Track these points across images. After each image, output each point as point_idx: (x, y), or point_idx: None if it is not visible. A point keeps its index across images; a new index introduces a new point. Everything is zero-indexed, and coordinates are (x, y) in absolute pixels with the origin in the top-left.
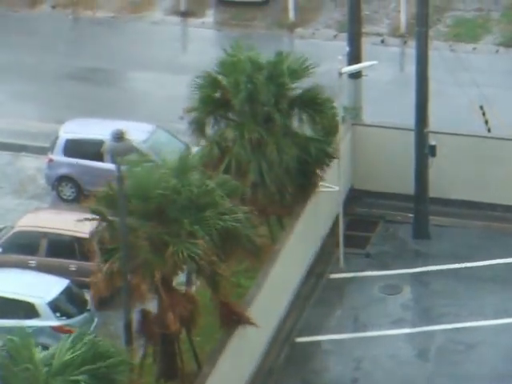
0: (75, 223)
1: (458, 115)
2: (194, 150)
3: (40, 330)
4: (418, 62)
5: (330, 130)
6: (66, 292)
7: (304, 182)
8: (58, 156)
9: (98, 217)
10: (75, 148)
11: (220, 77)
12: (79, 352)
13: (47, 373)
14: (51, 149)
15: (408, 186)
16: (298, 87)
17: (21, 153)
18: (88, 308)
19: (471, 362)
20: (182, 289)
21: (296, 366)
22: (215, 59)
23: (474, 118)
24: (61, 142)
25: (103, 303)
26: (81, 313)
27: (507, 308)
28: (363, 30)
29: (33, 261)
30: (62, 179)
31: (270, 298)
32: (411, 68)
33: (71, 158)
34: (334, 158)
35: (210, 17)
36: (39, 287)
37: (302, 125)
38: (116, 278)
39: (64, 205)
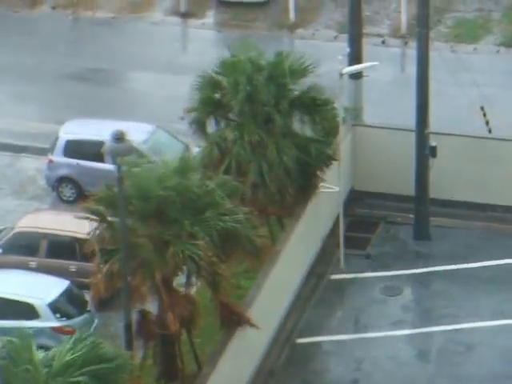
0: (75, 224)
1: (459, 116)
2: (194, 150)
3: (40, 331)
4: (418, 63)
5: (331, 131)
6: (66, 293)
7: (304, 182)
8: (58, 157)
9: (97, 218)
10: (75, 149)
11: (220, 77)
12: (80, 353)
13: (47, 374)
14: (51, 150)
15: (408, 187)
16: (299, 88)
17: (21, 154)
18: (88, 309)
19: (471, 363)
20: (182, 290)
21: (296, 366)
22: (215, 60)
23: (474, 119)
24: (61, 143)
25: (103, 304)
26: (81, 314)
27: (506, 309)
28: (364, 31)
29: (33, 262)
30: (62, 180)
31: (271, 298)
32: (412, 69)
33: (71, 158)
34: (334, 159)
35: (210, 17)
36: (39, 288)
37: (302, 126)
38: (116, 279)
39: (64, 206)
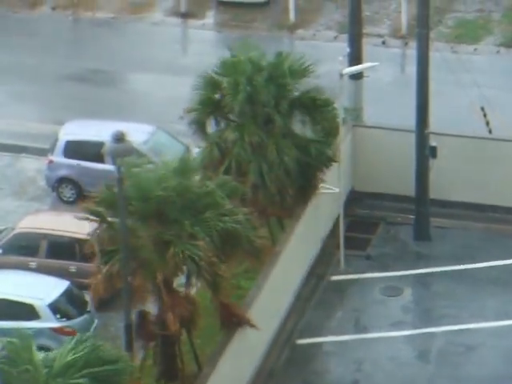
0: (75, 225)
1: (459, 116)
2: (194, 151)
3: (40, 332)
4: (418, 64)
5: (331, 132)
6: (67, 293)
7: (304, 183)
8: (58, 157)
9: (97, 218)
10: (75, 149)
11: (220, 78)
12: (80, 354)
13: (47, 374)
14: (51, 150)
15: (409, 188)
16: (299, 88)
17: (21, 154)
18: (88, 309)
19: (472, 364)
20: (182, 290)
21: (297, 367)
22: (216, 60)
23: (475, 119)
24: (61, 144)
25: (104, 304)
26: (81, 314)
27: (508, 310)
28: (364, 31)
29: (33, 262)
30: (62, 181)
31: (271, 299)
32: (412, 69)
33: (71, 159)
34: (334, 160)
35: (210, 18)
36: (39, 289)
37: (302, 126)
38: (116, 280)
39: (64, 206)
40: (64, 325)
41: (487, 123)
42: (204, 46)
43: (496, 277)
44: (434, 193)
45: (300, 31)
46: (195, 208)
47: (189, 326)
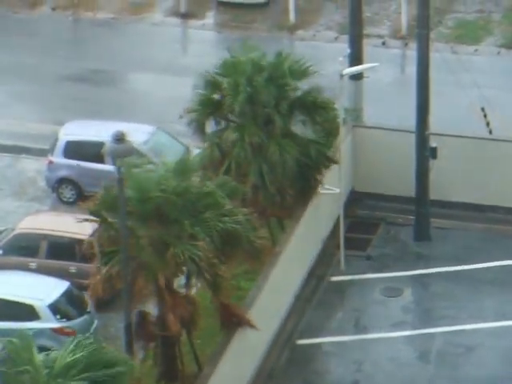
0: (75, 225)
1: (460, 117)
2: (194, 151)
3: (40, 332)
4: (418, 64)
5: (331, 132)
6: (67, 294)
7: (304, 184)
8: (58, 158)
9: (97, 219)
10: (75, 150)
11: (220, 78)
12: (81, 356)
13: (48, 375)
14: (51, 151)
15: (409, 188)
16: (299, 89)
17: (21, 155)
18: (88, 310)
19: (471, 365)
20: (182, 291)
21: (297, 368)
22: (216, 61)
23: (475, 120)
24: (61, 144)
25: (104, 305)
26: (81, 315)
27: (506, 311)
28: (364, 32)
29: (33, 263)
30: (62, 181)
31: (271, 300)
32: (412, 70)
33: (71, 159)
34: (333, 162)
35: (210, 18)
36: (39, 289)
37: (302, 127)
38: (115, 280)
39: (64, 207)
40: (64, 325)
41: (487, 124)
42: (204, 46)
43: (496, 277)
44: (434, 193)
45: (300, 32)
46: (195, 208)
47: (189, 327)
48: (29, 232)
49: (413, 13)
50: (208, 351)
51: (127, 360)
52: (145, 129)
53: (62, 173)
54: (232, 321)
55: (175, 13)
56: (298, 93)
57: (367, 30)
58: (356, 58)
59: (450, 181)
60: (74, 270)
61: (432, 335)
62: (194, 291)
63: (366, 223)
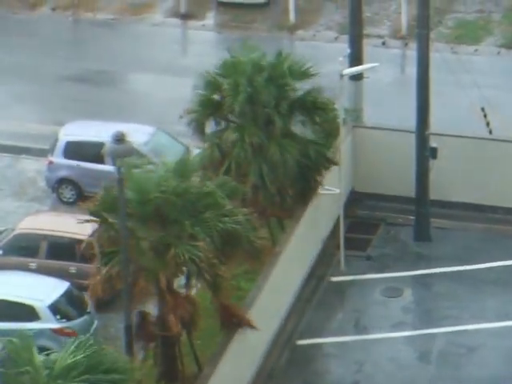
0: (75, 226)
1: (460, 117)
2: (195, 151)
3: (40, 333)
4: (418, 64)
5: (331, 133)
6: (67, 294)
7: (304, 184)
8: (58, 158)
9: (97, 219)
10: (75, 150)
11: (220, 79)
12: (81, 357)
13: (48, 376)
14: (51, 151)
15: (409, 189)
16: (299, 89)
17: (21, 155)
18: (88, 310)
19: (473, 365)
20: (182, 291)
21: (297, 368)
22: (216, 61)
23: (475, 120)
24: (61, 144)
25: (104, 305)
26: (81, 315)
27: (508, 311)
28: (364, 32)
29: (33, 263)
30: (62, 181)
31: (271, 300)
32: (412, 70)
33: (71, 160)
34: (333, 163)
35: (210, 19)
36: (39, 290)
37: (302, 127)
38: (115, 281)
39: (64, 207)
40: (64, 326)
41: (487, 124)
42: (204, 46)
43: (496, 277)
44: (434, 193)
45: (300, 32)
46: (195, 209)
47: (189, 327)
48: (29, 232)
49: (413, 13)
50: (208, 351)
51: (128, 364)
52: (145, 129)
53: (62, 173)
54: (232, 321)
55: (175, 13)
56: (298, 93)
57: (367, 30)
58: (356, 58)
59: (450, 181)
60: (73, 271)
61: (433, 335)
62: (194, 292)
63: (366, 223)
